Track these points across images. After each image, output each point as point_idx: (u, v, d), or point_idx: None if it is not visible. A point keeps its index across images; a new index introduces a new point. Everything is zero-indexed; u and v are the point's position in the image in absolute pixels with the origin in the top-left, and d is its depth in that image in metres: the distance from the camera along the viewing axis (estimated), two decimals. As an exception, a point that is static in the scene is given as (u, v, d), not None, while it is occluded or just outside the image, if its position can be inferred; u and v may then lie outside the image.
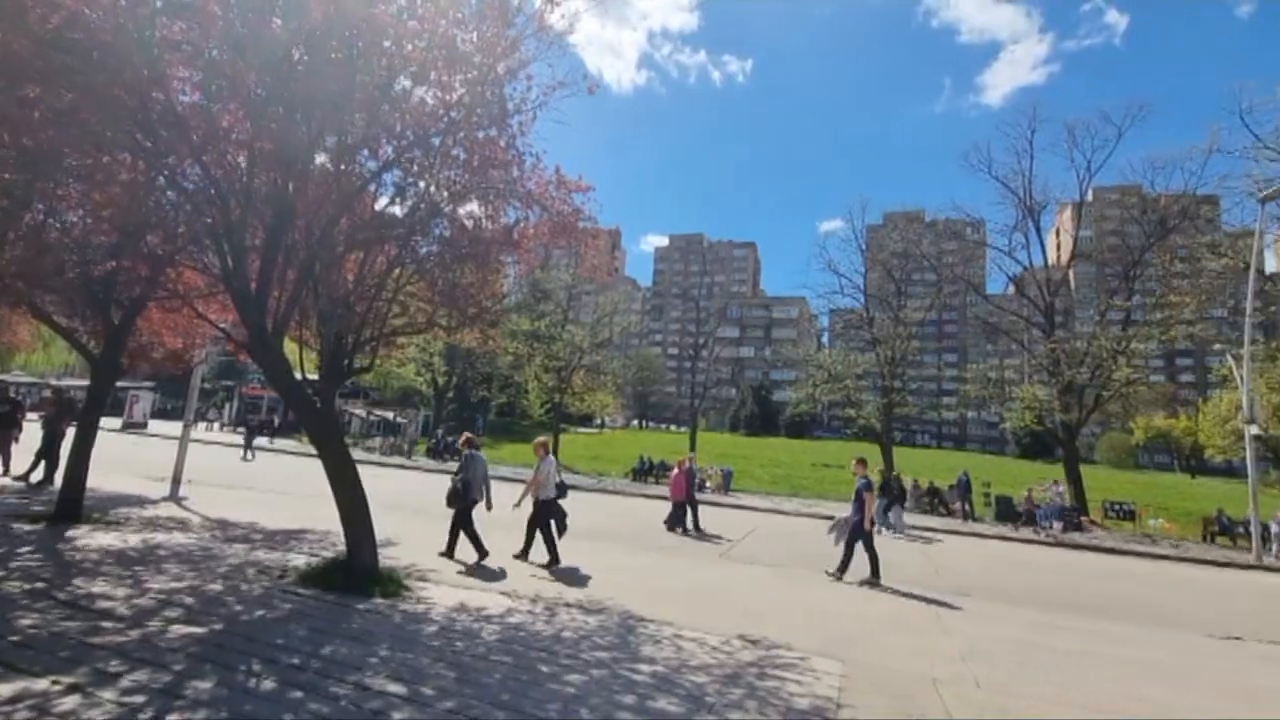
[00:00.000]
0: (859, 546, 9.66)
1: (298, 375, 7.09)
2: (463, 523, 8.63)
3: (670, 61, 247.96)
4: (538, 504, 8.89)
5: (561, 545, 8.93)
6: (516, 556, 8.94)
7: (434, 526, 10.47)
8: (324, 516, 9.31)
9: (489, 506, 8.81)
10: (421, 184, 7.33)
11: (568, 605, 6.63)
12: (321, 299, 7.14)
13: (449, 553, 8.55)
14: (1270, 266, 27.51)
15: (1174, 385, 73.69)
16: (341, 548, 7.07)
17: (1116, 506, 23.22)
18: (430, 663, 4.61)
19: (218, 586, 6.17)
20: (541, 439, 9.56)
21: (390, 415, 39.75)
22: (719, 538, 13.24)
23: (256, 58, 5.53)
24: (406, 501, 13.99)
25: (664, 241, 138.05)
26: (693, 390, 37.08)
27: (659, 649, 5.40)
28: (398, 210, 7.63)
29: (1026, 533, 18.92)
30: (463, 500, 8.62)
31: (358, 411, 39.37)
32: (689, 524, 13.80)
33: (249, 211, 6.51)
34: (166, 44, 5.59)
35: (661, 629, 6.01)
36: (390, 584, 6.51)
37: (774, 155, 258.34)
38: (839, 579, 9.53)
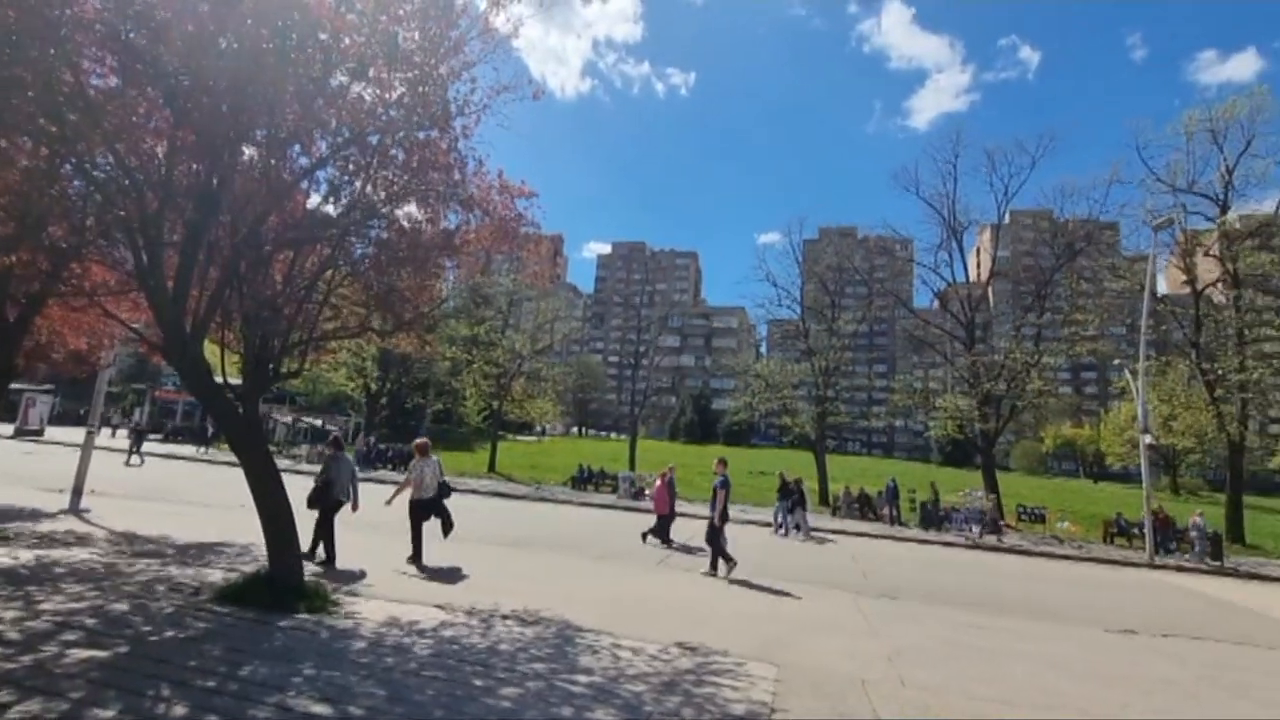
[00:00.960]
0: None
1: (218, 379, 6.70)
2: (322, 524, 8.46)
3: (614, 71, 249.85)
4: (415, 504, 9.02)
5: (501, 554, 8.80)
6: (410, 561, 8.90)
7: (365, 537, 10.08)
8: (245, 528, 8.81)
9: (355, 507, 8.87)
10: (357, 183, 7.09)
11: (504, 617, 6.51)
12: (246, 300, 6.78)
13: (310, 554, 8.28)
14: (1162, 289, 30.11)
15: (1079, 397, 79.42)
16: (264, 561, 6.70)
17: (1028, 510, 24.77)
18: (359, 680, 4.43)
19: (123, 606, 5.73)
20: (421, 440, 9.79)
21: (319, 422, 38.03)
22: (681, 545, 13.32)
23: (180, 42, 5.22)
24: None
25: (606, 249, 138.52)
26: (633, 398, 37.19)
27: (597, 659, 5.37)
28: (332, 209, 7.34)
29: (948, 536, 19.91)
30: (323, 501, 8.51)
31: (283, 418, 37.47)
32: (665, 536, 13.47)
33: (167, 205, 6.12)
34: (77, 22, 5.21)
35: (600, 638, 5.99)
36: (316, 599, 6.22)
37: (715, 168, 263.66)
38: (715, 575, 10.15)
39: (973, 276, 33.00)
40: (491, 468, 28.75)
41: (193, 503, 13.54)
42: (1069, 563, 17.22)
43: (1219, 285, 25.58)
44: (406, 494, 9.09)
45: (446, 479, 9.71)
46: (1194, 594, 13.50)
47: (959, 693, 5.50)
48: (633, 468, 28.32)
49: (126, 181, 5.87)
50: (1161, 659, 7.52)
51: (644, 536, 13.32)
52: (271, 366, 7.14)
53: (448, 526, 9.31)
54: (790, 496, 17.65)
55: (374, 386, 36.71)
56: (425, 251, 7.67)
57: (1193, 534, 19.17)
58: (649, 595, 8.52)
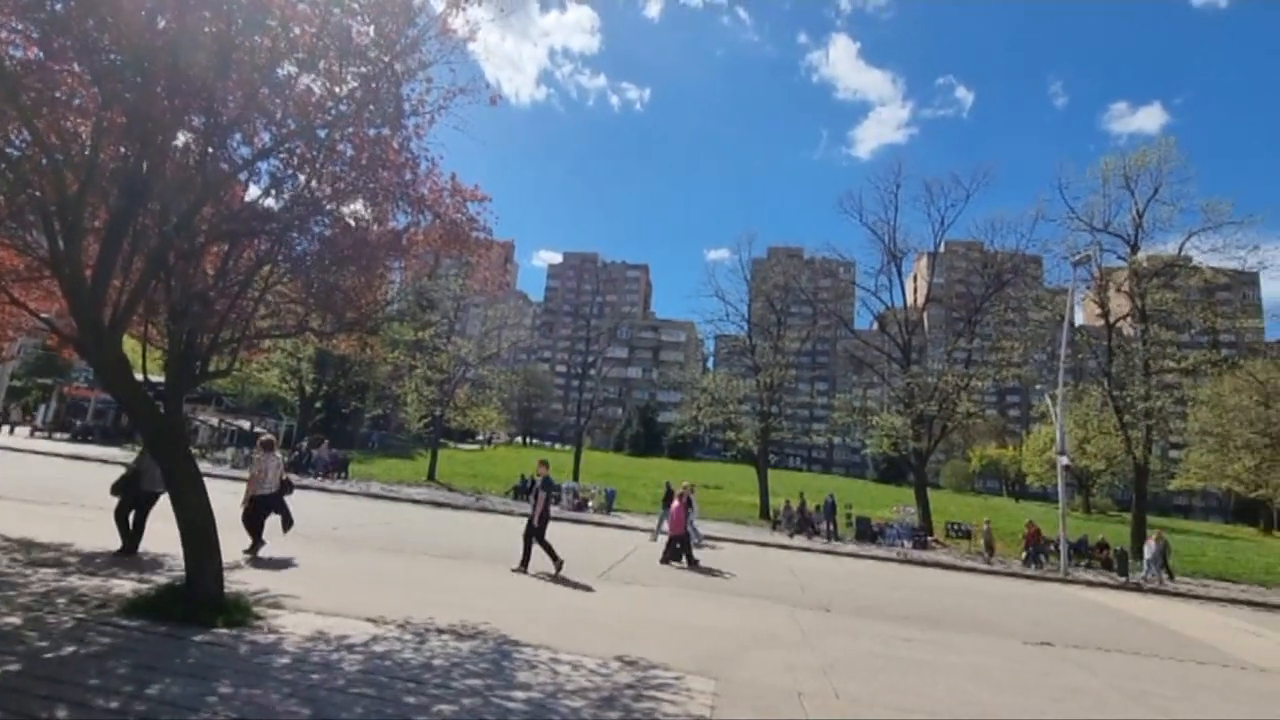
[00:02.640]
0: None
1: (139, 376, 6.29)
2: (119, 512, 8.32)
3: (570, 82, 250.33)
4: (256, 500, 9.27)
5: (439, 566, 8.57)
6: (247, 552, 8.95)
7: (292, 547, 9.63)
8: (162, 536, 8.26)
9: (286, 525, 9.43)
10: (302, 177, 6.81)
11: (439, 631, 6.32)
12: (174, 293, 6.41)
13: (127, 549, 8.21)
14: (1080, 320, 32.17)
15: (1004, 419, 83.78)
16: (180, 572, 6.29)
17: (956, 526, 25.87)
18: (281, 699, 4.20)
19: (15, 620, 5.26)
20: (267, 436, 10.13)
21: (246, 424, 36.14)
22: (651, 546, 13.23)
23: (111, 18, 4.93)
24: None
25: (557, 258, 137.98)
26: (580, 408, 36.99)
27: (535, 674, 5.27)
28: (273, 203, 7.04)
29: (881, 550, 20.55)
30: (128, 489, 8.42)
31: (209, 419, 35.44)
32: (689, 557, 13.48)
33: (89, 188, 5.71)
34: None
35: (538, 653, 5.88)
36: (236, 612, 5.87)
37: (667, 183, 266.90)
38: (555, 573, 10.20)
39: (910, 301, 34.48)
40: (431, 476, 27.99)
41: (103, 508, 12.61)
42: (991, 577, 18.05)
43: (1129, 319, 27.53)
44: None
45: (290, 477, 10.17)
46: (1103, 608, 14.36)
47: (888, 705, 5.66)
48: (577, 478, 28.11)
49: (44, 161, 5.47)
50: (1073, 669, 7.94)
51: (667, 561, 13.27)
52: (198, 364, 6.76)
53: (287, 523, 9.67)
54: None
55: (309, 389, 35.24)
56: (371, 251, 7.44)
57: (1146, 556, 20.18)
58: (591, 608, 8.44)
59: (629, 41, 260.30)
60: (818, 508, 24.43)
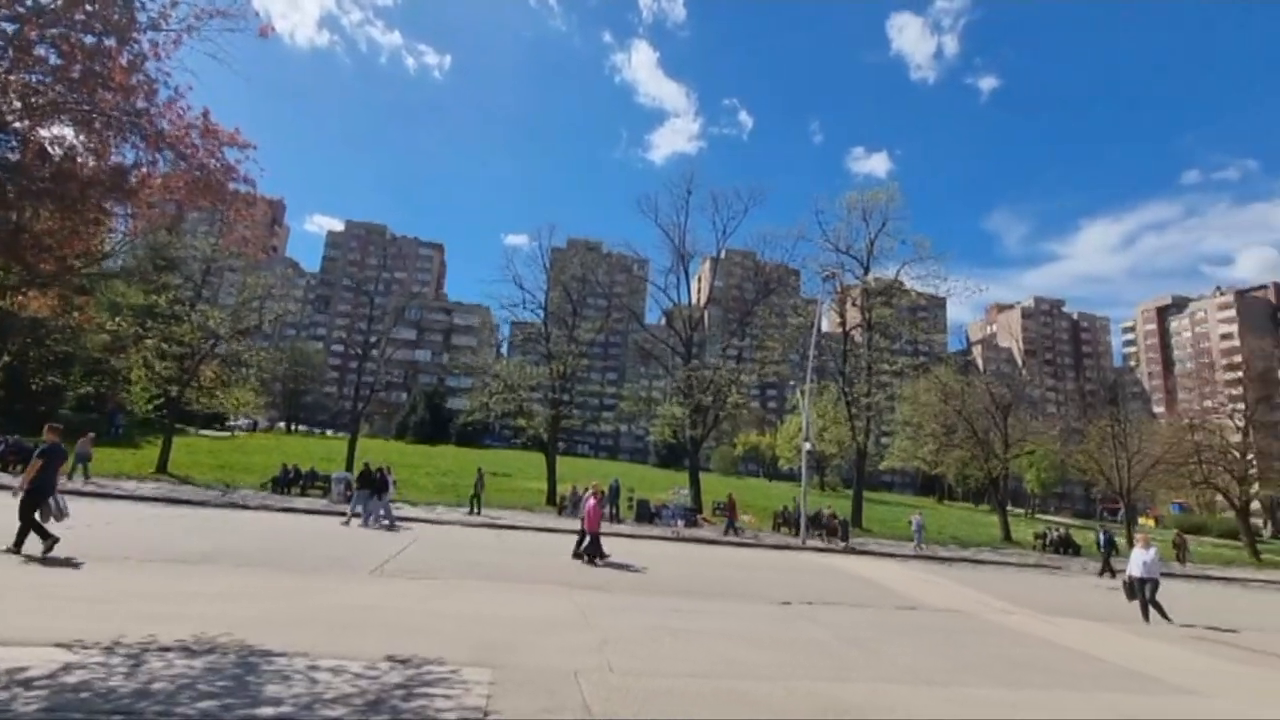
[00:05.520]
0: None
1: None
2: None
3: (360, 32, 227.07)
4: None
5: (170, 573, 7.29)
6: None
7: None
8: None
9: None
10: (-29, 80, 5.23)
11: (163, 649, 5.34)
12: None
13: None
14: (826, 327, 37.71)
15: (764, 410, 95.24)
16: None
17: (721, 505, 28.82)
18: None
19: None
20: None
21: None
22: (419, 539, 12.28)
23: None
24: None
25: (339, 226, 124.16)
26: (357, 392, 33.78)
27: (288, 686, 4.72)
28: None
29: (657, 530, 22.12)
30: None
31: None
32: (598, 553, 13.52)
33: None
34: None
35: (293, 662, 5.27)
36: None
37: (467, 161, 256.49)
38: (43, 554, 8.75)
39: (694, 300, 37.45)
40: (162, 468, 23.41)
41: None
42: (747, 549, 20.48)
43: (859, 328, 33.08)
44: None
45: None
46: (830, 569, 17.12)
47: (659, 673, 6.12)
48: (350, 468, 25.67)
49: None
50: (807, 622, 9.36)
51: (580, 556, 13.40)
52: None
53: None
54: (371, 484, 17.00)
55: (-25, 357, 27.19)
56: (81, 188, 5.99)
57: (913, 529, 24.79)
58: (361, 607, 7.79)
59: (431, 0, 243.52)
60: (602, 492, 25.44)
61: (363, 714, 4.32)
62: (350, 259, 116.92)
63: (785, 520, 26.30)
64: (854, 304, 32.87)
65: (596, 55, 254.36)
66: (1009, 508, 38.64)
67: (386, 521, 16.88)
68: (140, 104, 5.84)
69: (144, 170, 6.42)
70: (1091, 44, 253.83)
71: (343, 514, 17.30)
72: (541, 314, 30.84)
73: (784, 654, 7.40)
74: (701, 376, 30.11)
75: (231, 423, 54.26)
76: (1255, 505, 47.81)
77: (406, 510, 20.64)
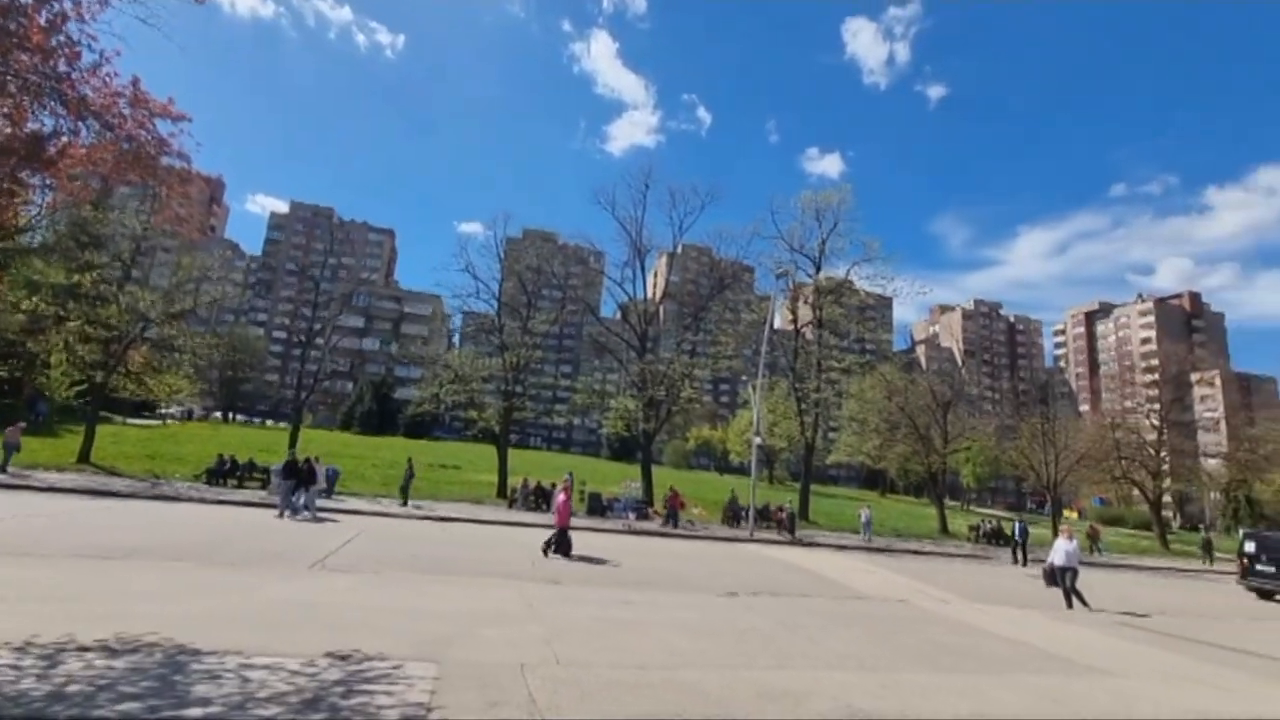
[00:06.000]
0: None
1: None
2: None
3: (307, 5, 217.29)
4: None
5: (93, 570, 6.85)
6: None
7: None
8: None
9: None
10: None
11: (81, 649, 5.05)
12: None
13: None
14: (779, 324, 38.43)
15: (717, 405, 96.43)
16: None
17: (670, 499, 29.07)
18: None
19: None
20: None
21: None
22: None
23: None
24: None
25: (283, 207, 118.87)
26: (300, 380, 32.57)
27: (218, 686, 4.54)
28: None
29: (609, 523, 22.18)
30: None
31: None
32: (566, 547, 13.64)
33: None
34: None
35: (225, 660, 5.08)
36: None
37: (420, 145, 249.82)
38: None
39: (650, 295, 37.55)
40: (85, 458, 22.06)
41: None
42: (697, 541, 20.76)
43: (811, 326, 33.84)
44: None
45: None
46: (776, 561, 17.52)
47: (606, 664, 6.15)
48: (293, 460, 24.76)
49: None
50: (750, 613, 9.56)
51: (545, 550, 13.52)
52: None
53: None
54: (296, 475, 16.71)
55: None
56: (-9, 158, 5.58)
57: (862, 523, 26.00)
58: (298, 603, 7.55)
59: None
60: (553, 485, 25.34)
61: (299, 712, 4.19)
62: (295, 242, 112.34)
63: (734, 514, 26.75)
64: (806, 302, 33.58)
65: (555, 44, 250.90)
66: (946, 501, 40.31)
67: (309, 514, 16.36)
68: (61, 68, 5.46)
69: (65, 139, 6.02)
70: (1035, 59, 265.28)
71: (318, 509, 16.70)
72: (495, 304, 30.37)
73: (728, 643, 7.54)
74: (655, 370, 30.25)
75: (163, 411, 51.60)
76: (1167, 499, 51.27)
77: (351, 503, 20.11)
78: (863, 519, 26.38)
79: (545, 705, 4.81)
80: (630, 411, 30.98)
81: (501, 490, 26.59)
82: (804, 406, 31.47)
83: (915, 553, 24.31)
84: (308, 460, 17.21)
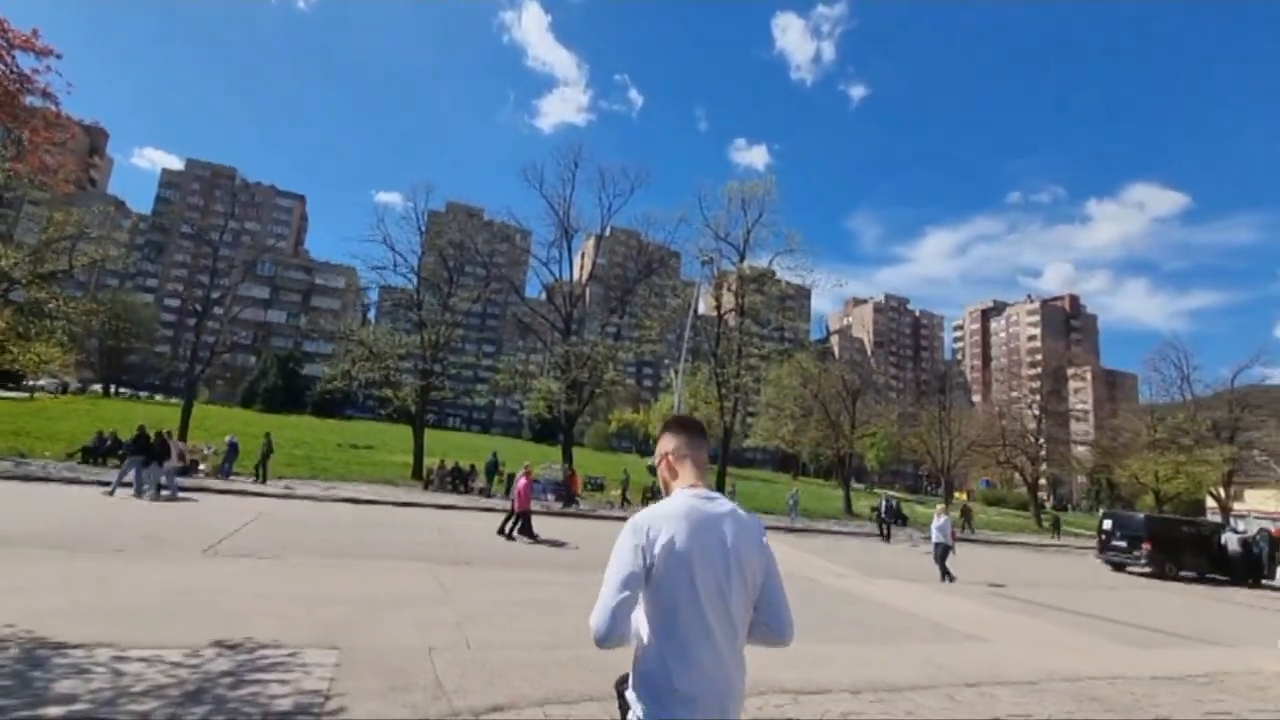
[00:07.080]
0: None
1: None
2: None
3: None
4: None
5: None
6: None
7: None
8: None
9: None
10: None
11: (-79, 647, 4.53)
12: None
13: None
14: (702, 310, 39.12)
15: (640, 388, 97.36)
16: None
17: (593, 480, 29.24)
18: None
19: None
20: None
21: None
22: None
23: None
24: None
25: (177, 164, 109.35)
26: (194, 353, 30.14)
27: (85, 681, 4.18)
28: None
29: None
30: None
31: None
32: (528, 531, 14.15)
33: None
34: None
35: (94, 654, 4.68)
36: None
37: (335, 108, 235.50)
38: None
39: (576, 276, 37.19)
40: (-72, 434, 19.60)
41: None
42: (613, 522, 20.98)
43: (733, 313, 34.66)
44: None
45: None
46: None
47: (517, 644, 6.13)
48: (185, 437, 23.00)
49: None
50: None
51: (506, 535, 13.83)
52: None
53: None
54: (146, 450, 15.33)
55: None
56: None
57: (790, 504, 26.70)
58: (185, 591, 7.05)
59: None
60: (472, 466, 24.88)
61: (179, 706, 3.93)
62: (191, 202, 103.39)
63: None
64: (729, 289, 34.29)
65: (484, 11, 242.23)
66: (852, 483, 42.66)
67: (167, 493, 15.22)
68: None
69: (-101, 70, 5.25)
70: (948, 67, 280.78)
71: (179, 488, 15.54)
72: (414, 279, 29.26)
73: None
74: (579, 352, 30.12)
75: (31, 383, 46.52)
76: (1043, 481, 56.46)
77: (248, 484, 18.96)
78: (791, 501, 27.41)
79: (452, 688, 4.74)
80: (553, 393, 30.74)
81: (417, 471, 25.83)
82: (724, 391, 32.27)
83: (823, 531, 25.64)
84: (160, 434, 15.97)
